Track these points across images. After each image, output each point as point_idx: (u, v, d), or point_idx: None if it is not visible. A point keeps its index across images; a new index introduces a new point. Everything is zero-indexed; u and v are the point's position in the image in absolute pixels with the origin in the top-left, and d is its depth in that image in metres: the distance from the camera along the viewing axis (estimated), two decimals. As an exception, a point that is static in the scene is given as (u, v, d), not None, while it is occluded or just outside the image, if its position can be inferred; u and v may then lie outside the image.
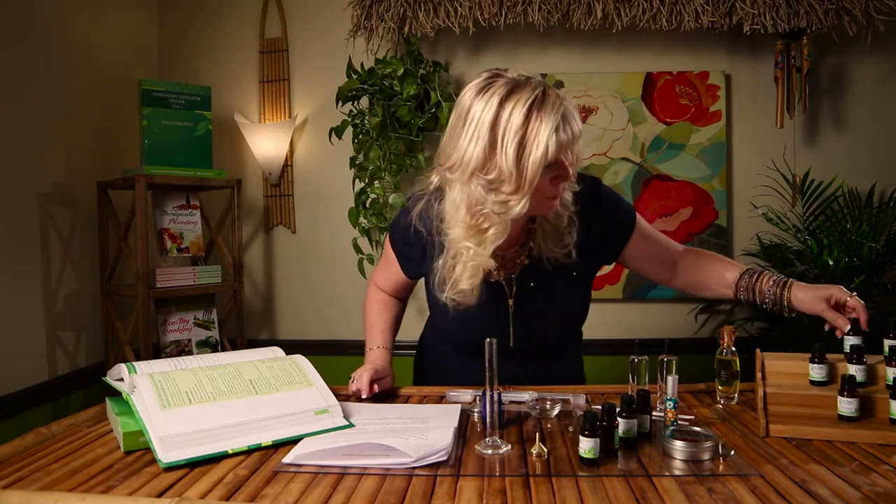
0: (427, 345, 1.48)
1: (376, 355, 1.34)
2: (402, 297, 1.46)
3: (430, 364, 1.47)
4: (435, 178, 1.16)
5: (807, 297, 1.17)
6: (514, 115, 0.99)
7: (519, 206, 1.02)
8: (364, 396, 1.20)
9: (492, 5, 2.36)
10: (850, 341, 1.10)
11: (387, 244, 1.36)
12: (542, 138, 0.98)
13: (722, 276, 1.28)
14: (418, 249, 1.26)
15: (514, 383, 1.27)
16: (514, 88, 1.02)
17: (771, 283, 1.22)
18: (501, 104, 1.00)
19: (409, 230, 1.24)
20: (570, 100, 1.05)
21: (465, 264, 1.11)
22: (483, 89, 1.03)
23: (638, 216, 1.29)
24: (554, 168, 1.04)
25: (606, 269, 2.64)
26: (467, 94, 1.05)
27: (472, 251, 1.09)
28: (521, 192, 1.01)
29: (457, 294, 1.16)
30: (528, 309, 1.25)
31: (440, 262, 1.17)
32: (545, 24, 2.39)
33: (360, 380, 1.22)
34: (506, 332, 1.26)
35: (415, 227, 1.22)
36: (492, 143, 1.00)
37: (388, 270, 1.38)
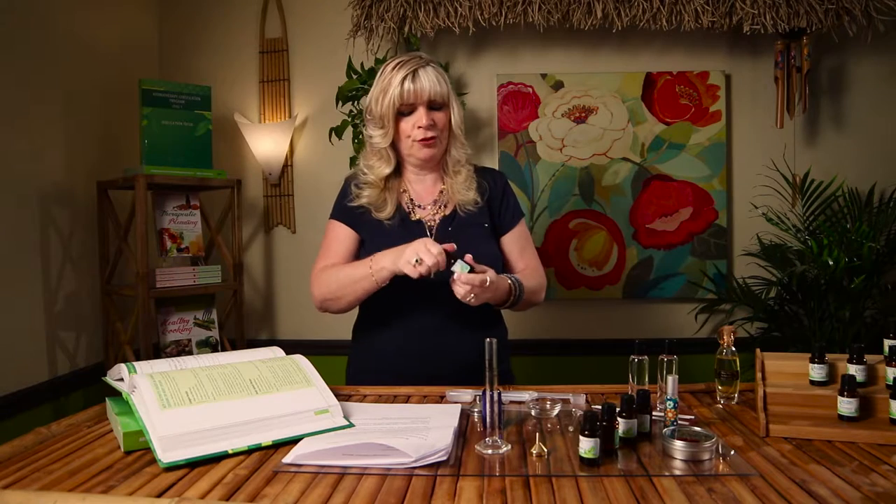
0: (359, 336, 1.52)
1: (389, 250, 1.31)
2: None
3: (364, 349, 1.50)
4: None
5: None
6: (385, 72, 1.37)
7: (382, 140, 1.39)
8: (446, 252, 1.22)
9: (492, 5, 2.36)
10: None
11: (325, 234, 1.49)
12: (392, 87, 1.34)
13: None
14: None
15: (439, 311, 1.39)
16: (396, 59, 1.38)
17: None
18: (384, 67, 1.38)
19: (355, 178, 1.47)
20: (440, 69, 1.38)
21: (367, 182, 1.44)
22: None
23: (524, 222, 1.54)
24: (412, 115, 1.37)
25: (607, 268, 2.64)
26: None
27: (366, 174, 1.44)
28: (383, 129, 1.38)
29: (366, 200, 1.42)
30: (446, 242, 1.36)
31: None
32: (545, 24, 2.39)
33: (429, 251, 1.21)
34: None
35: (363, 172, 1.46)
36: (372, 93, 1.39)
37: (330, 248, 1.46)
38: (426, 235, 1.40)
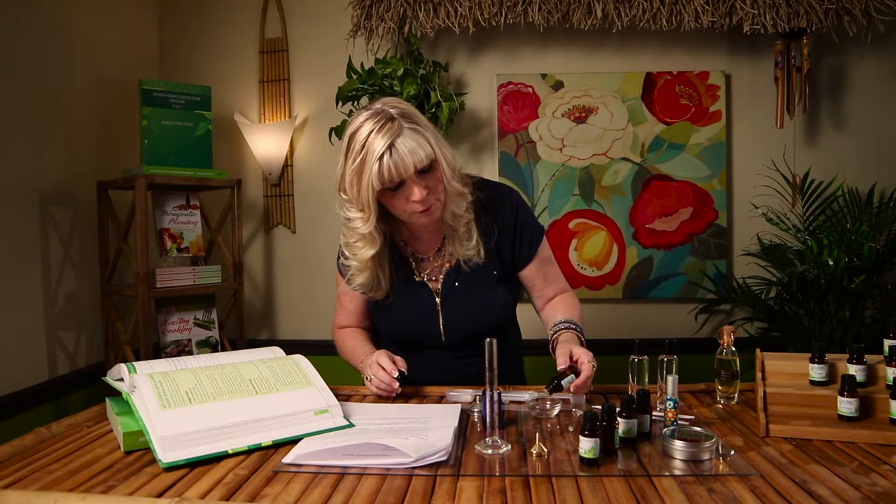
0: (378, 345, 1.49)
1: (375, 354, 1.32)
2: (366, 326, 1.47)
3: None
4: None
5: (560, 349, 1.21)
6: (355, 141, 1.17)
7: (364, 225, 1.21)
8: (395, 385, 1.20)
9: (492, 5, 2.36)
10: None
11: (337, 283, 1.44)
12: (368, 166, 1.14)
13: (548, 321, 1.38)
14: None
15: (452, 376, 1.34)
16: (364, 126, 1.16)
17: (552, 335, 1.31)
18: (353, 133, 1.18)
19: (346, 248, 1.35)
20: (414, 120, 1.17)
21: (352, 266, 1.29)
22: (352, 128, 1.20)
23: (544, 239, 1.40)
24: (401, 190, 1.17)
25: (607, 268, 2.64)
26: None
27: (349, 259, 1.29)
28: (363, 213, 1.20)
29: (359, 288, 1.33)
30: (454, 307, 1.34)
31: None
32: (545, 24, 2.39)
33: (378, 373, 1.21)
34: (437, 329, 1.34)
35: (344, 256, 1.33)
36: (344, 167, 1.21)
37: (343, 304, 1.45)
38: (431, 299, 1.34)
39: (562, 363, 1.15)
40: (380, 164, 1.13)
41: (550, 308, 1.39)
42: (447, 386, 1.30)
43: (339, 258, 1.38)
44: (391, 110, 1.16)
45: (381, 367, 1.22)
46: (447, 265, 1.34)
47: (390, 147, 1.13)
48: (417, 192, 1.16)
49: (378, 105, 1.19)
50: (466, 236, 1.29)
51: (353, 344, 1.40)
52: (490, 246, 1.32)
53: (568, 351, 1.16)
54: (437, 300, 1.34)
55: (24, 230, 2.00)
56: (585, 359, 1.13)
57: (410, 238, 1.36)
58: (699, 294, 2.61)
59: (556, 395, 1.12)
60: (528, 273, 1.38)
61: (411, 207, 1.19)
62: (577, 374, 1.12)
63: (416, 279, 1.35)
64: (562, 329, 1.29)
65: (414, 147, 1.14)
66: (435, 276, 1.35)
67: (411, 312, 1.34)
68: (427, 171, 1.17)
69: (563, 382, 1.11)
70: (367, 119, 1.16)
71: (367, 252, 1.25)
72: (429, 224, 1.26)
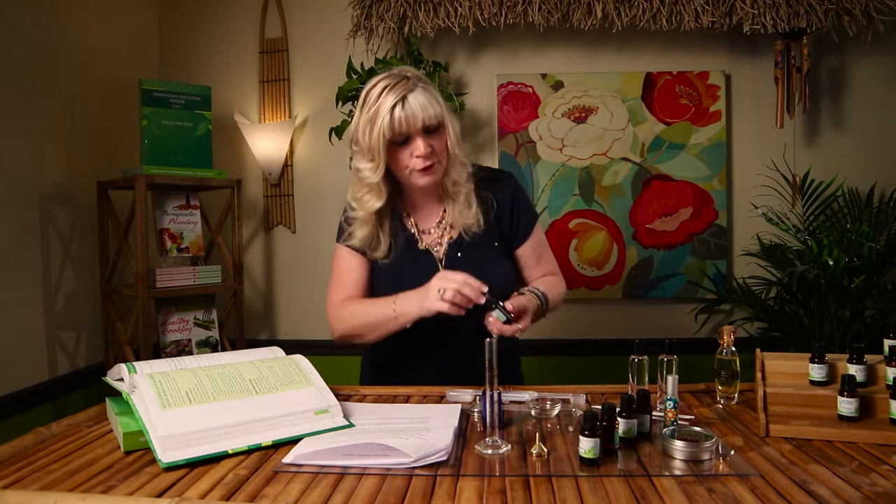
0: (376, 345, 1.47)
1: (413, 292, 1.27)
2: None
3: (380, 356, 1.48)
4: None
5: (518, 297, 1.28)
6: (370, 98, 1.24)
7: (372, 174, 1.27)
8: (485, 288, 1.19)
9: (492, 5, 2.36)
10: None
11: (334, 260, 1.43)
12: (381, 116, 1.21)
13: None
14: None
15: (455, 363, 1.36)
16: (380, 83, 1.24)
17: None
18: (368, 92, 1.25)
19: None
20: (428, 85, 1.26)
21: (356, 217, 1.35)
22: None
23: (539, 224, 1.46)
24: (407, 145, 1.25)
25: (607, 268, 2.64)
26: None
27: (355, 209, 1.34)
28: (373, 162, 1.26)
29: (359, 242, 1.36)
30: None
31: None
32: (545, 24, 2.39)
33: (457, 277, 1.19)
34: None
35: (350, 207, 1.39)
36: (357, 122, 1.28)
37: (342, 279, 1.41)
38: (435, 265, 1.35)
39: (510, 307, 1.20)
40: (391, 114, 1.20)
41: (534, 282, 1.42)
42: (447, 386, 1.30)
43: (341, 224, 1.40)
44: (407, 73, 1.26)
45: (455, 278, 1.19)
46: (449, 236, 1.38)
47: (403, 99, 1.21)
48: (422, 146, 1.24)
49: (395, 70, 1.28)
50: (466, 205, 1.35)
51: (369, 302, 1.36)
52: (490, 217, 1.38)
53: (523, 304, 1.24)
54: (440, 265, 1.36)
55: (24, 230, 2.00)
56: (523, 324, 1.22)
57: (413, 210, 1.40)
58: (699, 294, 2.61)
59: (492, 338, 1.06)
60: (524, 252, 1.43)
61: (414, 164, 1.26)
62: (509, 322, 1.19)
63: (420, 248, 1.38)
64: (529, 291, 1.32)
65: (425, 103, 1.22)
66: (438, 248, 1.38)
67: (415, 281, 1.31)
68: (434, 130, 1.26)
69: (494, 312, 1.19)
70: (383, 78, 1.25)
71: (374, 203, 1.31)
72: (429, 186, 1.31)
